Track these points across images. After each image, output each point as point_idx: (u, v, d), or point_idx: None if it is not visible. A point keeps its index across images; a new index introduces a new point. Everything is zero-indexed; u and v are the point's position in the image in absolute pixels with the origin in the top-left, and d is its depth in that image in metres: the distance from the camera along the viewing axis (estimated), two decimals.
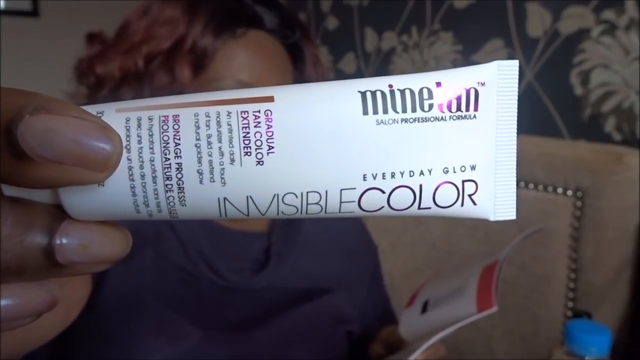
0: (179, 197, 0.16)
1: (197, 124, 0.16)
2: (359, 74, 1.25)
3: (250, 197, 0.17)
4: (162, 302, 0.51)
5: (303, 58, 0.61)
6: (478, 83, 0.18)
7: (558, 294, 0.79)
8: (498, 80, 0.19)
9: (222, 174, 0.16)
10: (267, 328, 0.54)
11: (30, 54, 1.46)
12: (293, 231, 0.61)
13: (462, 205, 0.19)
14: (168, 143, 0.16)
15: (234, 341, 0.52)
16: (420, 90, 0.18)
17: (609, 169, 0.75)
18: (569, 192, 0.78)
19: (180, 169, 0.16)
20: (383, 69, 1.20)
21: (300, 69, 0.61)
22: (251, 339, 0.53)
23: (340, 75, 1.29)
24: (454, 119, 0.18)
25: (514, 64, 0.19)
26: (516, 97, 0.19)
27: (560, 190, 0.78)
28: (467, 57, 1.03)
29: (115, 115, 0.16)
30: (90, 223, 0.15)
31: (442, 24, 1.07)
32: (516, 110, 0.19)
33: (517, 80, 0.19)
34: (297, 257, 0.60)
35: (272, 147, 0.16)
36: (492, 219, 0.19)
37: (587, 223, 0.77)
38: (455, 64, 1.05)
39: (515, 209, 0.20)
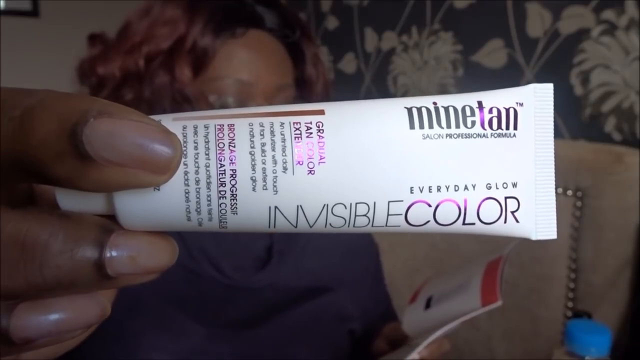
0: (231, 204, 0.16)
1: (251, 133, 0.16)
2: (358, 74, 1.26)
3: (301, 206, 0.17)
4: (164, 300, 0.52)
5: (303, 57, 0.61)
6: (517, 103, 0.19)
7: (558, 294, 0.80)
8: (535, 102, 0.19)
9: (275, 182, 0.16)
10: (269, 326, 0.54)
11: (30, 54, 1.46)
12: None
13: (505, 222, 0.19)
14: (223, 150, 0.16)
15: (237, 339, 0.52)
16: (463, 108, 0.18)
17: (609, 169, 0.75)
18: (569, 192, 0.78)
19: (234, 176, 0.16)
20: (383, 69, 1.20)
21: (300, 69, 0.61)
22: (253, 337, 0.53)
23: (340, 75, 1.29)
24: (495, 137, 0.19)
25: (549, 87, 0.20)
26: (552, 119, 0.20)
27: (560, 190, 0.78)
28: (467, 57, 1.03)
29: (172, 123, 0.16)
30: (138, 233, 0.16)
31: (442, 24, 1.07)
32: (552, 131, 0.20)
33: (552, 103, 0.20)
34: (299, 255, 0.60)
35: (323, 158, 0.17)
36: (533, 238, 0.20)
37: (587, 223, 0.77)
38: (455, 64, 1.05)
39: (555, 229, 0.20)
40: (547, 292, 0.80)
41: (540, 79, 0.91)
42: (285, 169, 0.16)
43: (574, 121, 0.89)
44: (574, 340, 0.50)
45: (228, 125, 0.16)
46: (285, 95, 0.56)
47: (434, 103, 0.18)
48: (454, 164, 0.18)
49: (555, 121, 0.89)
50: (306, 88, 0.61)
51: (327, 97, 0.64)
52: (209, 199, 0.16)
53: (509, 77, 0.96)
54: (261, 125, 0.17)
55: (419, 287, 0.59)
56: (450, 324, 0.46)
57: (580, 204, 0.77)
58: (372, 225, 0.18)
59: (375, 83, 1.22)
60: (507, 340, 0.84)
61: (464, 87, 1.05)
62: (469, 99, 0.19)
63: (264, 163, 0.16)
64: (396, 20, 1.15)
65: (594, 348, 0.49)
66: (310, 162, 0.17)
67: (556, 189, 0.77)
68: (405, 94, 1.16)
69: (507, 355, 0.83)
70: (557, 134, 0.90)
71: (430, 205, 0.18)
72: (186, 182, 0.16)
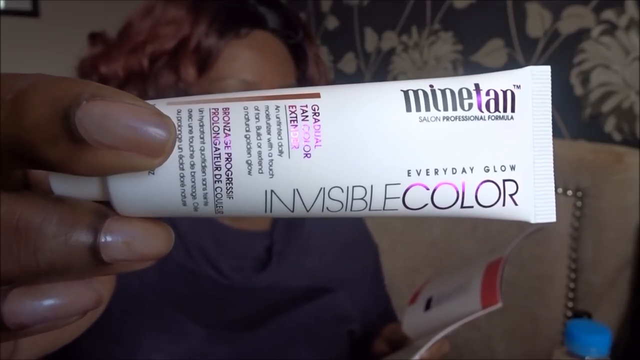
0: (226, 188, 0.16)
1: (246, 116, 0.16)
2: (359, 74, 1.26)
3: (297, 190, 0.17)
4: (164, 300, 0.51)
5: (305, 58, 0.61)
6: (514, 86, 0.19)
7: (558, 294, 0.80)
8: (532, 84, 0.19)
9: (271, 166, 0.16)
10: (269, 327, 0.54)
11: (30, 54, 1.46)
12: (295, 230, 0.61)
13: (503, 204, 0.19)
14: (218, 133, 0.16)
15: (236, 340, 0.52)
16: (460, 90, 0.18)
17: (609, 169, 0.75)
18: (569, 192, 0.78)
19: (229, 159, 0.16)
20: (383, 69, 1.20)
21: (302, 69, 0.61)
22: (253, 338, 0.53)
23: (340, 75, 1.29)
24: (492, 119, 0.18)
25: (546, 70, 0.19)
26: (550, 101, 0.19)
27: (560, 190, 0.78)
28: (467, 57, 1.03)
29: (167, 107, 0.16)
30: (133, 219, 0.15)
31: (442, 24, 1.07)
32: (550, 113, 0.19)
33: (550, 85, 0.19)
34: (298, 256, 0.60)
35: (319, 141, 0.17)
36: (532, 221, 0.20)
37: (587, 223, 0.77)
38: (455, 64, 1.05)
39: (554, 212, 0.20)
40: (547, 292, 0.80)
41: None
42: (281, 152, 0.16)
43: (574, 121, 0.89)
44: (574, 340, 0.50)
45: (223, 109, 0.16)
46: None
47: (431, 86, 0.18)
48: (451, 146, 0.18)
49: (555, 121, 0.89)
50: None
51: None
52: (204, 182, 0.16)
53: None
54: (256, 108, 0.16)
55: (419, 288, 0.59)
56: (451, 327, 0.46)
57: (580, 204, 0.77)
58: (370, 209, 0.18)
59: None
60: (507, 340, 0.84)
61: None
62: (466, 81, 0.19)
63: (259, 147, 0.16)
64: (396, 20, 1.15)
65: (594, 348, 0.49)
66: (307, 145, 0.16)
67: (556, 189, 0.77)
68: None
69: (507, 355, 0.83)
70: (557, 134, 0.90)
71: (428, 189, 0.18)
72: (181, 166, 0.16)
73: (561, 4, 0.88)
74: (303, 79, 0.61)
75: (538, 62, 0.92)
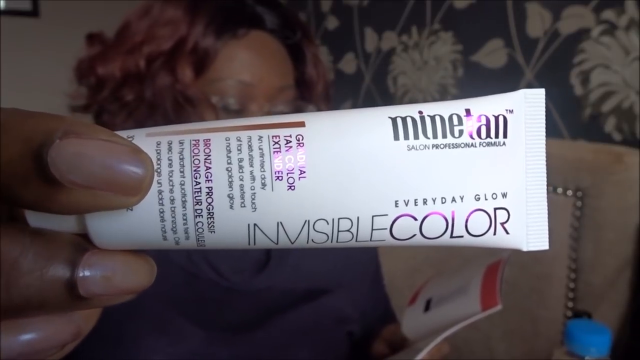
0: (208, 222, 0.16)
1: (228, 148, 0.16)
2: (359, 74, 1.26)
3: (281, 223, 0.16)
4: (163, 302, 0.51)
5: (304, 58, 0.61)
6: (506, 110, 0.18)
7: (558, 294, 0.79)
8: (525, 108, 0.19)
9: (253, 199, 0.16)
10: (268, 328, 0.54)
11: (30, 54, 1.46)
12: None
13: (494, 234, 0.18)
14: (199, 167, 0.15)
15: (235, 342, 0.52)
16: (450, 117, 0.18)
17: (609, 169, 0.75)
18: (569, 192, 0.78)
19: (210, 193, 0.15)
20: (383, 69, 1.20)
21: (301, 70, 0.61)
22: (252, 340, 0.53)
23: (340, 75, 1.29)
24: (483, 146, 0.18)
25: (541, 93, 0.19)
26: (544, 125, 0.19)
27: (560, 190, 0.78)
28: (467, 57, 1.03)
29: (146, 139, 0.16)
30: (113, 253, 0.15)
31: (442, 24, 1.07)
32: (544, 138, 0.19)
33: (544, 109, 0.19)
34: (297, 257, 0.60)
35: (304, 172, 0.16)
36: (524, 249, 0.19)
37: (587, 223, 0.77)
38: (455, 64, 1.05)
39: (547, 239, 0.19)
40: (547, 292, 0.80)
41: (540, 79, 0.91)
42: (264, 185, 0.16)
43: (574, 121, 0.89)
44: (574, 340, 0.50)
45: (204, 140, 0.16)
46: (286, 96, 0.56)
47: (420, 112, 0.17)
48: (440, 175, 0.17)
49: (555, 121, 0.89)
50: (307, 89, 0.61)
51: (328, 98, 0.64)
52: (184, 218, 0.15)
53: (509, 77, 0.96)
54: (238, 139, 0.16)
55: (418, 289, 0.59)
56: (451, 329, 0.45)
57: (580, 204, 0.77)
58: (356, 240, 0.17)
59: (375, 83, 1.22)
60: (507, 340, 0.84)
61: (464, 87, 1.05)
62: (457, 106, 0.18)
63: (241, 179, 0.16)
64: (396, 20, 1.15)
65: (594, 348, 0.49)
66: (290, 177, 0.16)
67: (556, 189, 0.77)
68: (405, 94, 1.16)
69: (506, 355, 0.83)
70: (557, 134, 0.90)
71: (416, 219, 0.17)
72: (160, 202, 0.15)
73: (561, 4, 0.88)
74: (301, 80, 0.61)
75: (538, 62, 0.92)
